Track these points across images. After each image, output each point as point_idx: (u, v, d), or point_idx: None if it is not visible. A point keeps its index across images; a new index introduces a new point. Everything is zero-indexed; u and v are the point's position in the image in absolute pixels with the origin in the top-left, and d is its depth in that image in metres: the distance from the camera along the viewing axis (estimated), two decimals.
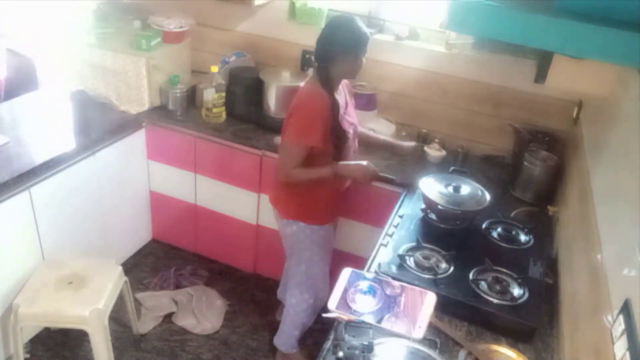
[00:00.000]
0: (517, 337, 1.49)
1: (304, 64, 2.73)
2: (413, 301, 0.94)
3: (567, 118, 2.31)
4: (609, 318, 1.11)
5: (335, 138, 1.95)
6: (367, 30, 1.89)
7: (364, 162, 2.01)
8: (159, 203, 2.91)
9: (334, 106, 1.92)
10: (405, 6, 2.55)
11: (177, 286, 2.77)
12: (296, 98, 1.97)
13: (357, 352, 0.95)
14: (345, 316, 0.94)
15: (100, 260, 2.29)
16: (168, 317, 2.60)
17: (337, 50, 1.87)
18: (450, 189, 1.94)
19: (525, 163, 2.21)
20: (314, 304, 2.28)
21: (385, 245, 1.80)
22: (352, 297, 0.94)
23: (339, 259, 2.54)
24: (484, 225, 1.91)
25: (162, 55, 2.65)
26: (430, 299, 0.90)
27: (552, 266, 1.83)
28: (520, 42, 1.39)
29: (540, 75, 2.31)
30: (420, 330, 0.88)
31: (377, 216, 2.26)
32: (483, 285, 1.59)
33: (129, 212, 2.80)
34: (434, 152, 2.45)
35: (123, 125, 2.57)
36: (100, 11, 2.80)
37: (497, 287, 1.58)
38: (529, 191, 2.24)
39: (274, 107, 2.62)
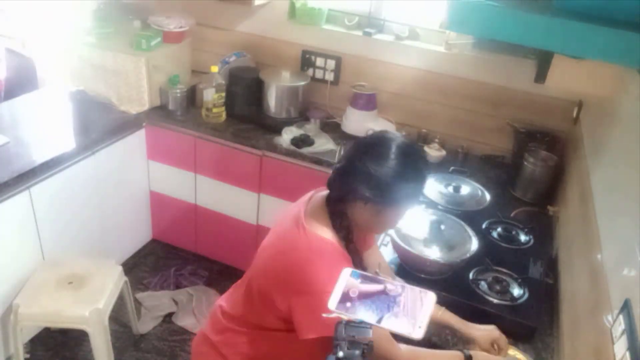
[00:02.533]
0: (517, 337, 1.49)
1: (304, 64, 2.73)
2: (413, 301, 0.94)
3: (567, 118, 2.31)
4: (609, 318, 1.11)
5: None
6: (424, 176, 1.23)
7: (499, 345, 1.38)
8: (159, 203, 2.91)
9: (357, 263, 1.27)
10: (405, 6, 2.55)
11: (177, 286, 2.77)
12: (311, 271, 1.17)
13: (357, 352, 0.95)
14: (345, 316, 0.93)
15: (100, 260, 2.29)
16: (168, 317, 2.60)
17: (364, 190, 1.18)
18: (450, 189, 1.94)
19: (525, 163, 2.21)
20: None
21: (385, 245, 1.80)
22: (352, 297, 0.94)
23: None
24: (484, 225, 1.91)
25: (162, 55, 2.65)
26: (430, 299, 0.90)
27: (552, 266, 1.83)
28: (520, 42, 1.39)
29: (540, 75, 2.31)
30: (420, 331, 0.87)
31: None
32: (483, 285, 1.59)
33: (129, 212, 2.80)
34: (434, 152, 2.45)
35: (123, 125, 2.57)
36: (100, 11, 2.80)
37: (497, 287, 1.58)
38: (529, 191, 2.23)
39: (274, 107, 2.62)
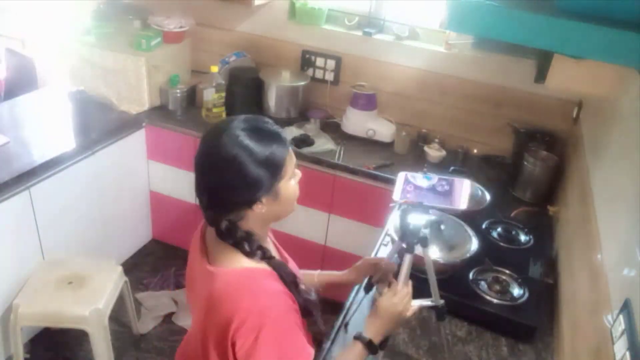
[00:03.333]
0: (517, 337, 1.49)
1: (304, 64, 2.73)
2: (455, 188, 1.30)
3: (567, 118, 2.31)
4: (609, 318, 1.11)
5: (306, 313, 1.17)
6: (274, 133, 1.10)
7: (389, 301, 1.24)
8: (159, 203, 2.91)
9: (284, 276, 1.13)
10: (405, 6, 2.55)
11: (177, 286, 2.77)
12: (232, 305, 1.04)
13: (415, 240, 1.23)
14: (410, 201, 1.25)
15: (100, 260, 2.29)
16: (168, 317, 2.60)
17: (243, 199, 1.07)
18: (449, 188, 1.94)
19: (525, 163, 2.22)
20: None
21: (386, 245, 1.80)
22: (409, 190, 1.30)
23: (339, 259, 2.54)
24: (484, 225, 1.91)
25: (162, 55, 2.65)
26: (467, 183, 1.29)
27: (552, 266, 1.83)
28: (520, 42, 1.39)
29: (540, 75, 2.30)
30: (464, 203, 1.26)
31: (376, 216, 2.26)
32: (483, 285, 1.59)
33: (129, 212, 2.80)
34: (434, 152, 2.45)
35: (123, 125, 2.57)
36: (100, 11, 2.80)
37: (497, 287, 1.58)
38: (529, 191, 2.24)
39: (274, 107, 2.62)
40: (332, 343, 1.42)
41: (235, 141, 1.04)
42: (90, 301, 2.02)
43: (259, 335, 1.01)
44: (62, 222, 2.32)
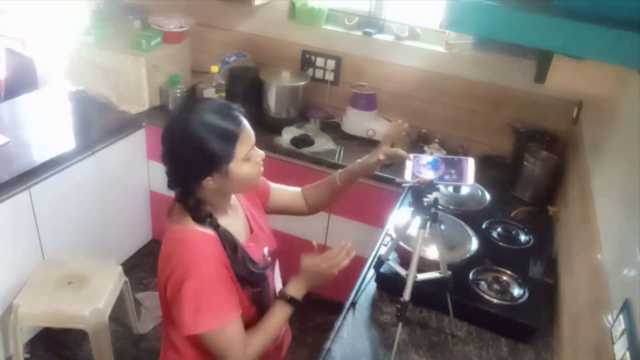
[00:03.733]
0: (517, 337, 1.49)
1: (304, 64, 2.73)
2: (462, 166, 1.39)
3: (567, 118, 2.31)
4: (609, 318, 1.11)
5: (247, 283, 1.27)
6: (230, 113, 1.20)
7: (310, 261, 1.34)
8: (159, 203, 2.91)
9: (226, 244, 1.23)
10: (405, 6, 2.55)
11: None
12: (169, 257, 1.20)
13: (432, 209, 1.35)
14: (422, 180, 1.36)
15: (100, 260, 2.30)
16: None
17: (193, 173, 1.19)
18: (450, 189, 1.94)
19: (525, 163, 2.21)
20: None
21: (386, 245, 1.80)
22: (419, 169, 1.40)
23: None
24: (484, 225, 1.91)
25: (162, 55, 2.65)
26: (470, 161, 1.38)
27: (552, 266, 1.83)
28: (520, 42, 1.39)
29: (540, 75, 2.30)
30: (471, 178, 1.35)
31: (377, 216, 2.26)
32: (483, 285, 1.59)
33: (129, 212, 2.80)
34: (433, 152, 2.45)
35: (123, 125, 2.57)
36: (100, 11, 2.80)
37: (497, 287, 1.58)
38: (529, 191, 2.24)
39: (274, 107, 2.62)
40: (332, 343, 1.42)
41: (193, 119, 1.15)
42: (90, 301, 2.02)
43: (181, 287, 1.15)
44: (62, 222, 2.33)
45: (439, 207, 1.84)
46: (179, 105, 1.25)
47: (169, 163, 1.22)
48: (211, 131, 1.15)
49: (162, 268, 1.21)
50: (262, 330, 1.28)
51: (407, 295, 1.33)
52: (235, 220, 1.32)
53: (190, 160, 1.17)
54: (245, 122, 1.21)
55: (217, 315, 1.18)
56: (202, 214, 1.21)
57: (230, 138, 1.17)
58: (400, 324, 1.34)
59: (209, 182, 1.19)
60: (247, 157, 1.21)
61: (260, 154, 1.27)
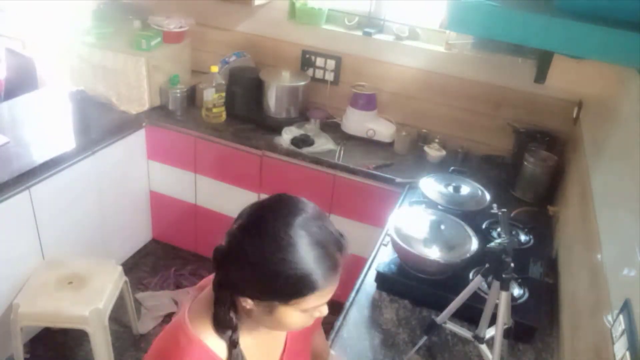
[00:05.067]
0: (517, 337, 1.49)
1: (304, 64, 2.73)
2: None
3: (567, 118, 2.31)
4: (609, 318, 1.11)
5: None
6: (340, 242, 0.93)
7: None
8: (159, 203, 2.91)
9: None
10: (405, 6, 2.55)
11: (177, 286, 2.77)
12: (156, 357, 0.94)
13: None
14: None
15: (100, 260, 2.29)
16: (168, 317, 2.60)
17: (247, 285, 0.88)
18: (450, 189, 1.94)
19: (525, 163, 2.21)
20: None
21: (386, 245, 1.80)
22: None
23: None
24: (484, 226, 1.91)
25: (162, 55, 2.65)
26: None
27: (552, 266, 1.83)
28: (520, 42, 1.39)
29: (540, 75, 2.31)
30: None
31: (377, 216, 2.26)
32: (483, 285, 1.59)
33: (129, 212, 2.80)
34: (434, 152, 2.45)
35: (123, 125, 2.57)
36: (100, 11, 2.80)
37: None
38: (529, 191, 2.24)
39: (274, 107, 2.62)
40: (332, 343, 1.42)
41: (295, 233, 0.86)
42: (90, 301, 2.02)
43: None
44: (62, 222, 2.33)
45: (439, 207, 1.86)
46: (284, 200, 0.92)
47: (233, 246, 0.91)
48: (299, 261, 0.84)
49: None
50: None
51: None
52: (267, 341, 1.02)
53: (244, 270, 0.87)
54: (338, 275, 0.91)
55: None
56: (225, 323, 0.92)
57: (309, 286, 0.85)
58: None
59: (243, 302, 0.90)
60: (308, 310, 0.91)
61: (323, 311, 0.94)
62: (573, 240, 1.75)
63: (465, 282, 1.34)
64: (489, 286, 1.28)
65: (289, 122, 2.59)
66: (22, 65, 3.14)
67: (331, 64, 2.67)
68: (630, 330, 0.97)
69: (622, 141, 1.53)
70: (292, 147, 2.42)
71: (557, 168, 2.23)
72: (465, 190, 1.95)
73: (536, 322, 1.50)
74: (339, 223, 2.56)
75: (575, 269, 1.59)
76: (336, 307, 1.60)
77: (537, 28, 1.25)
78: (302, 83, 2.62)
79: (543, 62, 2.28)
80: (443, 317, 1.38)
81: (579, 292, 1.47)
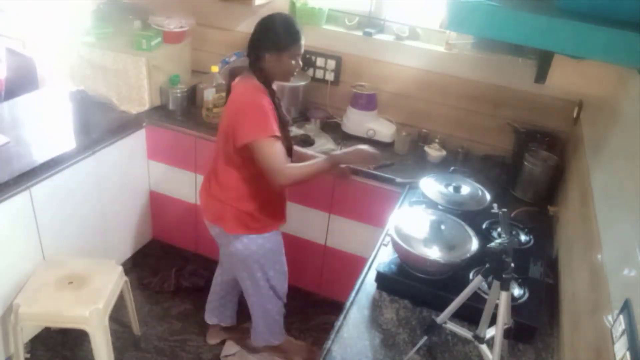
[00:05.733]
0: (517, 337, 1.49)
1: (304, 64, 2.73)
2: None
3: (567, 118, 2.31)
4: (609, 318, 1.11)
5: (283, 129, 1.82)
6: (297, 29, 1.77)
7: (362, 146, 1.89)
8: (159, 203, 2.91)
9: (273, 97, 1.84)
10: (405, 6, 2.55)
11: (177, 286, 2.77)
12: (235, 95, 1.82)
13: None
14: None
15: (100, 260, 2.29)
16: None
17: (262, 46, 1.77)
18: (450, 189, 1.94)
19: (525, 163, 2.22)
20: (279, 302, 2.20)
21: (386, 245, 1.80)
22: None
23: (339, 259, 2.54)
24: (484, 226, 1.91)
25: (162, 55, 2.65)
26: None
27: (552, 266, 1.83)
28: (520, 42, 1.39)
29: (540, 75, 2.31)
30: None
31: (377, 216, 2.26)
32: (483, 285, 1.59)
33: (129, 211, 2.80)
34: (434, 152, 2.45)
35: (123, 125, 2.57)
36: (100, 11, 2.80)
37: None
38: (529, 191, 2.24)
39: None
40: (332, 343, 1.42)
41: (282, 16, 1.81)
42: (90, 301, 2.02)
43: (244, 107, 1.76)
44: (62, 222, 2.33)
45: (439, 207, 1.86)
46: (272, 13, 1.84)
47: (253, 38, 1.80)
48: (289, 28, 1.76)
49: (228, 107, 1.83)
50: (303, 165, 1.80)
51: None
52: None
53: (270, 39, 1.76)
54: (303, 40, 1.80)
55: (267, 130, 1.70)
56: (261, 74, 1.81)
57: (295, 39, 1.77)
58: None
59: (267, 56, 1.77)
60: (295, 58, 1.80)
61: (299, 64, 1.84)
62: (573, 240, 1.75)
63: (465, 282, 1.34)
64: (489, 286, 1.27)
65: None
66: (23, 65, 3.14)
67: (331, 64, 2.67)
68: (630, 330, 0.97)
69: (622, 141, 1.53)
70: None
71: (557, 168, 2.23)
72: (465, 190, 1.95)
73: (536, 322, 1.50)
74: (339, 223, 2.57)
75: (576, 269, 1.59)
76: (336, 307, 1.60)
77: (537, 28, 1.25)
78: (303, 83, 2.62)
79: (543, 62, 2.28)
80: (443, 317, 1.38)
81: (579, 292, 1.47)
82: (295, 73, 1.85)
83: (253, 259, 2.00)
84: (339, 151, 1.88)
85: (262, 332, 2.28)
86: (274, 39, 1.75)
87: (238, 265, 2.06)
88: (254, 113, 1.73)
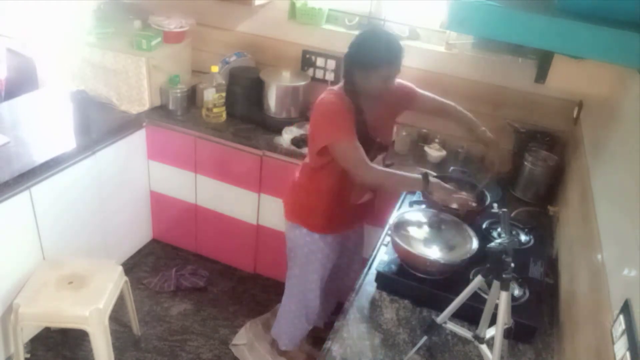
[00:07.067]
0: (517, 337, 1.49)
1: (304, 64, 2.73)
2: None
3: (567, 118, 2.31)
4: (609, 318, 1.11)
5: (361, 139, 1.76)
6: (396, 47, 1.69)
7: (464, 194, 1.85)
8: (159, 203, 2.91)
9: (357, 110, 1.77)
10: (405, 6, 2.55)
11: (177, 286, 2.77)
12: (316, 102, 1.82)
13: None
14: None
15: (100, 260, 2.29)
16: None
17: (356, 62, 1.72)
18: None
19: (526, 163, 2.22)
20: (305, 312, 2.18)
21: (386, 245, 1.80)
22: None
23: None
24: (484, 226, 1.91)
25: (162, 55, 2.65)
26: None
27: (552, 266, 1.84)
28: (520, 42, 1.39)
29: (541, 75, 2.32)
30: None
31: (377, 216, 2.26)
32: (483, 285, 1.59)
33: (129, 212, 2.80)
34: (434, 152, 2.45)
35: (123, 125, 2.57)
36: (100, 11, 2.80)
37: None
38: (529, 191, 2.24)
39: (274, 107, 2.62)
40: (332, 343, 1.42)
41: (377, 34, 1.78)
42: (90, 301, 2.02)
43: (325, 111, 1.78)
44: (62, 222, 2.33)
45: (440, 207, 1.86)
46: (373, 27, 1.88)
47: (349, 53, 1.75)
48: (382, 47, 1.69)
49: (311, 113, 1.84)
50: (391, 171, 1.80)
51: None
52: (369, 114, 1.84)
53: (364, 55, 1.70)
54: (401, 62, 1.73)
55: (349, 133, 1.71)
56: (350, 89, 1.77)
57: (387, 61, 1.69)
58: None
59: (358, 74, 1.73)
60: (385, 79, 1.72)
61: (386, 86, 1.76)
62: (573, 240, 1.75)
63: (465, 282, 1.34)
64: (489, 286, 1.27)
65: (289, 122, 2.59)
66: (23, 65, 3.14)
67: (331, 64, 2.67)
68: (630, 330, 0.97)
69: (622, 141, 1.53)
70: (293, 147, 2.42)
71: (557, 168, 2.23)
72: (465, 190, 1.95)
73: (536, 322, 1.50)
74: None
75: (576, 269, 1.59)
76: (336, 306, 1.60)
77: (537, 28, 1.25)
78: (303, 83, 2.62)
79: (543, 62, 2.28)
80: (443, 317, 1.38)
81: (579, 292, 1.47)
82: (381, 93, 1.78)
83: (295, 252, 2.07)
84: (440, 182, 1.76)
85: (278, 324, 2.29)
86: (364, 56, 1.70)
87: (288, 253, 2.13)
88: (331, 117, 1.76)
